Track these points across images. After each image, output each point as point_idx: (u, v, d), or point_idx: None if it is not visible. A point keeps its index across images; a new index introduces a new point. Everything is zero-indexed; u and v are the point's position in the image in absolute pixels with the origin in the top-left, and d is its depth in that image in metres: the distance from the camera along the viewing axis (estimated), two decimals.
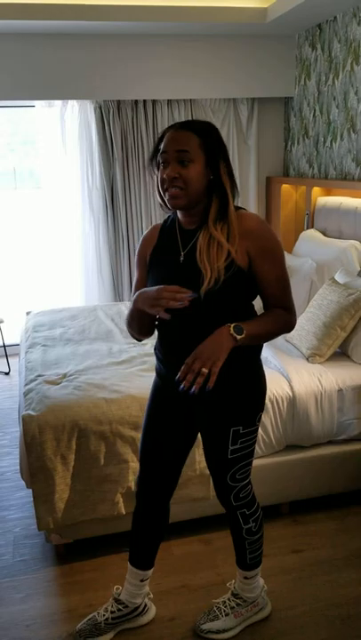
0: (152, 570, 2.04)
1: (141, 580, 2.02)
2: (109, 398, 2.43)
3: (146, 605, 2.08)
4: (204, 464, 2.42)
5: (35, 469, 2.31)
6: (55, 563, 2.43)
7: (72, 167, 4.51)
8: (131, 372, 2.73)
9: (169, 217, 1.81)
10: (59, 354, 3.06)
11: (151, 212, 4.61)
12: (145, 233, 1.85)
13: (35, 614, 2.15)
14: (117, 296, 4.76)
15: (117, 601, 2.04)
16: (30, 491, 2.42)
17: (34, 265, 5.04)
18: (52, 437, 2.30)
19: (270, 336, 1.70)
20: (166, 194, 1.62)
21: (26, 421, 2.32)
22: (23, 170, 12.23)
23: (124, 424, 2.37)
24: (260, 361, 1.80)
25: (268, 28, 4.15)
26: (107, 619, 2.02)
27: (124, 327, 3.52)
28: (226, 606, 2.04)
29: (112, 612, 2.02)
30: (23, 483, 2.46)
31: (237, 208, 1.68)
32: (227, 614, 2.03)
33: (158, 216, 4.61)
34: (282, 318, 1.70)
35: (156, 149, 1.64)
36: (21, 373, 2.96)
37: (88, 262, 4.70)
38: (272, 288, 1.68)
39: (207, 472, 2.43)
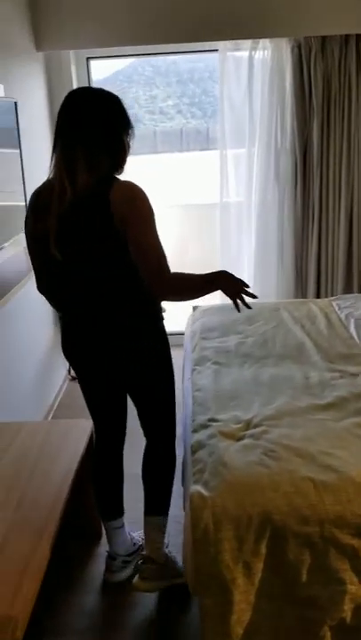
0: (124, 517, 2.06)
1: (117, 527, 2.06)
2: (320, 481, 1.60)
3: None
4: None
5: (206, 577, 1.58)
6: None
7: (256, 124, 3.65)
8: (344, 427, 1.87)
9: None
10: (235, 379, 2.29)
11: (354, 182, 3.60)
12: None
13: None
14: (302, 290, 3.84)
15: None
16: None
17: None
18: (233, 535, 1.54)
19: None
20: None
21: (195, 504, 1.58)
22: (190, 130, 11.80)
23: (343, 527, 1.54)
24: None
25: None
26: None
27: (320, 341, 2.64)
28: None
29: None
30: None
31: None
32: None
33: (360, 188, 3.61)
34: None
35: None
36: (187, 405, 2.23)
37: (267, 244, 3.83)
38: None
39: None
